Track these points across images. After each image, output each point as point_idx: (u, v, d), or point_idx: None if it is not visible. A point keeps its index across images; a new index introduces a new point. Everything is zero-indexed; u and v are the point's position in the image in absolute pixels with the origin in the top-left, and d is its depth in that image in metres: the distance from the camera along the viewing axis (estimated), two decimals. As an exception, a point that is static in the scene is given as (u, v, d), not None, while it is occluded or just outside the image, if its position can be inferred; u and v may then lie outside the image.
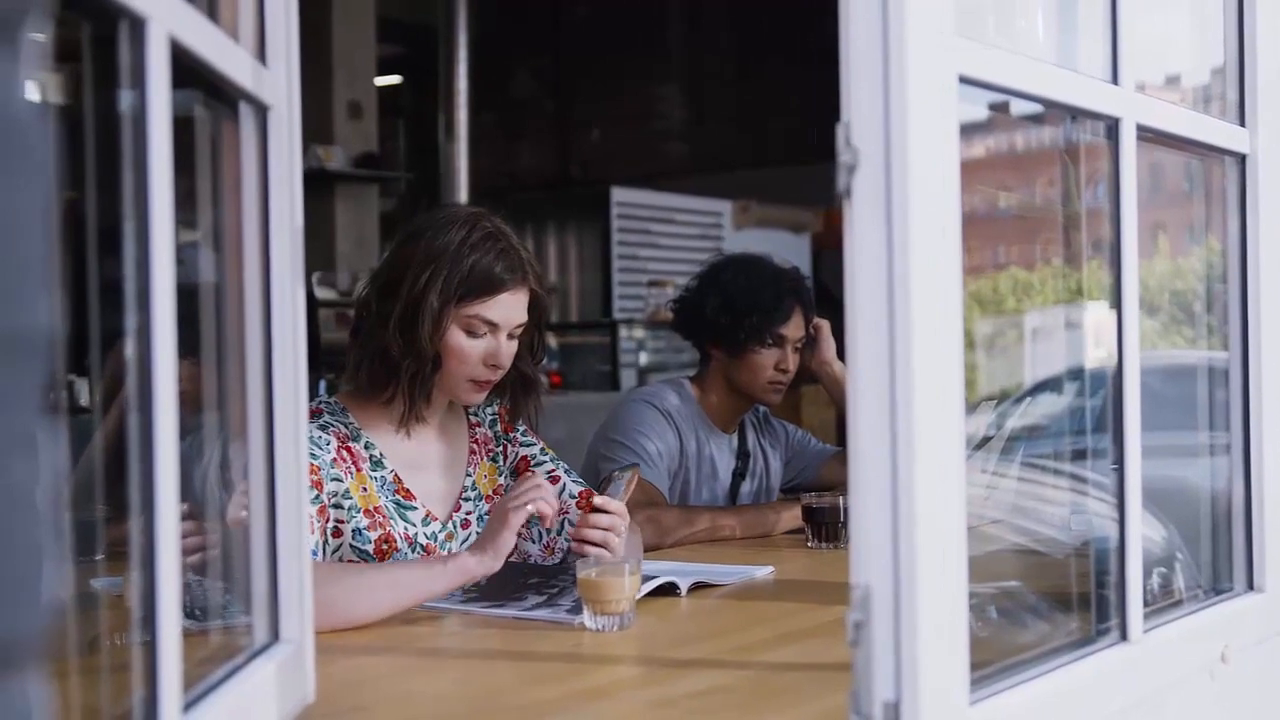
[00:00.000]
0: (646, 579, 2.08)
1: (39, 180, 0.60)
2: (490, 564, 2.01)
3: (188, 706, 1.11)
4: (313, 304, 3.75)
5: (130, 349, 1.04)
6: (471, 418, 2.45)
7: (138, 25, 1.02)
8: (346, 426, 2.26)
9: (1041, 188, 2.09)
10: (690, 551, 2.71)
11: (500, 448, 2.45)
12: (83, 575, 1.45)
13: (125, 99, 1.04)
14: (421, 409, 2.29)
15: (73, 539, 1.35)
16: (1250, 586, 1.85)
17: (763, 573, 2.40)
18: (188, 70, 1.14)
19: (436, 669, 1.78)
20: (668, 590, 2.15)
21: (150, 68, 1.03)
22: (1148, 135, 1.60)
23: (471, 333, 2.23)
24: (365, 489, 2.23)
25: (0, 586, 0.59)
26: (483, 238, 2.23)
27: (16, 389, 0.59)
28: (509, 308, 2.25)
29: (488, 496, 2.40)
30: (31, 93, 0.61)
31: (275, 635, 1.40)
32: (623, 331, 7.81)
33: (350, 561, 2.19)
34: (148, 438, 1.03)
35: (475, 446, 2.42)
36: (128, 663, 1.16)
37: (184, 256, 1.13)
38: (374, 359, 2.25)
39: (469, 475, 2.39)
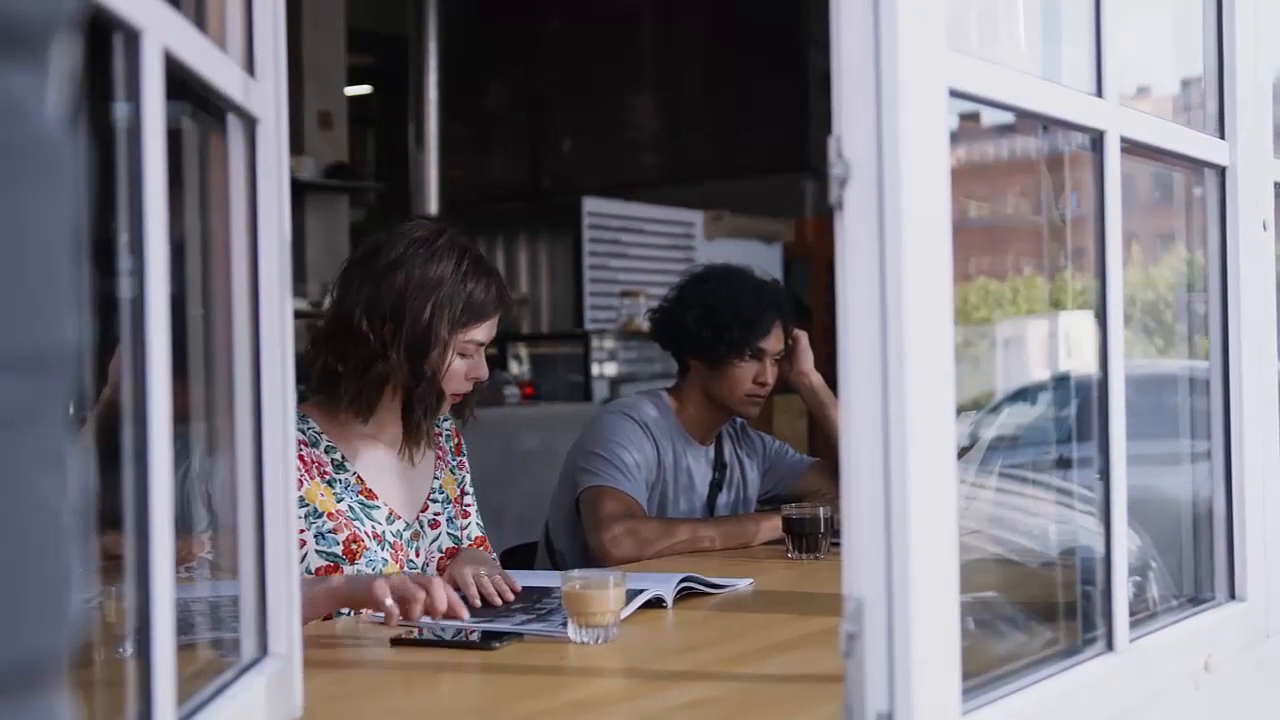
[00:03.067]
0: (632, 594, 2.07)
1: (68, 196, 0.60)
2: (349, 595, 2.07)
3: (180, 722, 1.11)
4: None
5: (124, 361, 1.03)
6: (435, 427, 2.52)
7: (132, 37, 1.01)
8: (304, 432, 2.30)
9: (1013, 198, 2.10)
10: (670, 563, 2.71)
11: (456, 461, 2.56)
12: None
13: (119, 110, 1.03)
14: (431, 434, 2.42)
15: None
16: (1232, 596, 1.86)
17: (744, 584, 2.40)
18: (177, 82, 1.13)
19: (423, 684, 1.77)
20: (653, 602, 2.15)
21: (145, 80, 1.02)
22: (1130, 147, 1.62)
23: (463, 354, 2.34)
24: (323, 494, 2.28)
25: (32, 604, 0.58)
26: (472, 265, 2.34)
27: (45, 406, 0.59)
28: (494, 327, 2.38)
29: (455, 500, 2.49)
30: (59, 110, 0.60)
31: (264, 650, 1.39)
32: (595, 342, 7.79)
33: (318, 569, 2.22)
34: (142, 451, 1.02)
35: (441, 453, 2.51)
36: (114, 677, 1.15)
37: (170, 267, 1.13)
38: (376, 386, 2.30)
39: (436, 478, 2.47)
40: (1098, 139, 1.56)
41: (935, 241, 1.23)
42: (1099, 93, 1.55)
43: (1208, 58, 1.89)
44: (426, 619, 2.02)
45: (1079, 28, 1.60)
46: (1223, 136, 1.87)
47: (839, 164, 1.21)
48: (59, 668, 0.60)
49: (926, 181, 1.22)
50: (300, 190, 7.45)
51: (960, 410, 2.18)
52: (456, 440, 2.58)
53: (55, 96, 0.60)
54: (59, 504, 0.60)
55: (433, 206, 8.31)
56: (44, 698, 0.59)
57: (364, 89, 9.89)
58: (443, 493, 2.47)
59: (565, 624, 1.92)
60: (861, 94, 1.19)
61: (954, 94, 1.27)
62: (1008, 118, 1.61)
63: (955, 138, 1.59)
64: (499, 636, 1.91)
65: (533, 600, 2.19)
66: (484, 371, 2.38)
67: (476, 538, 2.54)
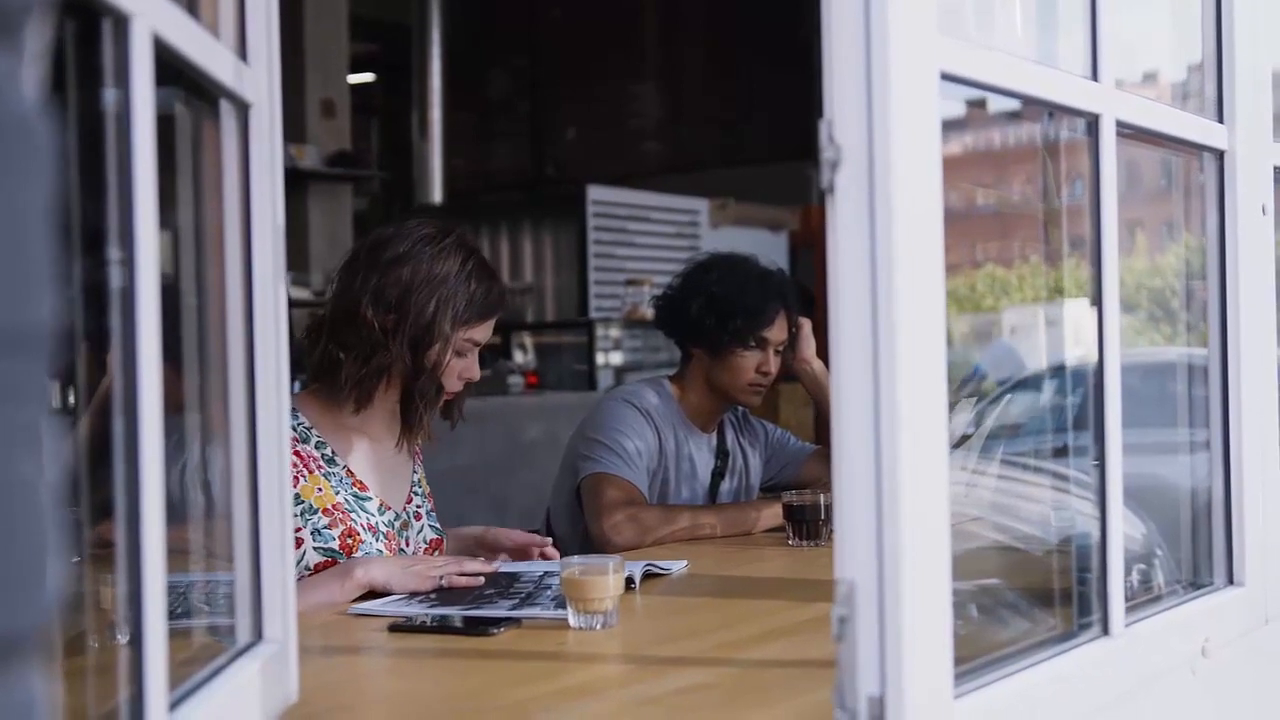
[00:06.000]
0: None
1: (42, 176, 0.60)
2: (378, 579, 2.16)
3: (173, 706, 1.11)
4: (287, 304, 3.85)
5: (114, 350, 1.03)
6: None
7: (121, 22, 1.01)
8: (295, 429, 2.31)
9: (1019, 185, 2.10)
10: (670, 550, 2.71)
11: (422, 460, 2.59)
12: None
13: (108, 96, 1.04)
14: (429, 426, 2.43)
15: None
16: (1230, 581, 1.86)
17: (678, 567, 2.42)
18: (168, 67, 1.13)
19: (420, 669, 1.77)
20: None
21: (134, 65, 1.02)
22: (1127, 131, 1.61)
23: (459, 353, 2.37)
24: (320, 489, 2.31)
25: (9, 580, 0.59)
26: (476, 266, 2.37)
27: (22, 384, 0.59)
28: (491, 329, 2.42)
29: (428, 494, 2.54)
30: (33, 91, 0.61)
31: (259, 634, 1.40)
32: (599, 331, 7.79)
33: (316, 564, 2.23)
34: (132, 438, 1.02)
35: (417, 450, 2.55)
36: (108, 663, 1.15)
37: (161, 256, 1.13)
38: (376, 376, 2.32)
39: (415, 472, 2.52)
40: (1093, 123, 1.55)
41: (926, 226, 1.22)
42: (1094, 76, 1.55)
43: (1207, 42, 1.88)
44: (424, 609, 2.03)
45: (1076, 13, 1.60)
46: (1221, 120, 1.87)
47: (830, 148, 1.21)
48: (36, 643, 0.61)
49: (918, 166, 1.21)
50: (303, 179, 7.45)
51: (966, 398, 2.18)
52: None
53: (29, 79, 0.60)
54: (37, 482, 0.60)
55: (436, 195, 8.32)
56: (20, 672, 0.59)
57: (367, 77, 9.88)
58: (421, 487, 2.53)
59: (557, 606, 1.92)
60: (852, 78, 1.19)
61: (946, 78, 1.26)
62: (1015, 104, 1.61)
63: (962, 125, 1.59)
64: (497, 622, 1.91)
65: (505, 585, 2.19)
66: (476, 373, 2.42)
67: (432, 540, 2.53)
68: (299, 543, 2.23)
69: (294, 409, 2.34)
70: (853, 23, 1.19)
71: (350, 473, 2.36)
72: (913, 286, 1.20)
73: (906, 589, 1.18)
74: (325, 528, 2.27)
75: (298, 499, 2.25)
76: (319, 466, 2.32)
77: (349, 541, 2.28)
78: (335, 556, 2.26)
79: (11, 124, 0.58)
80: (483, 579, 2.20)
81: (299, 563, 2.23)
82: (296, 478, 2.26)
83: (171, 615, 1.15)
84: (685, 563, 2.47)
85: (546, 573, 2.26)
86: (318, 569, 2.24)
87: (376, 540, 2.32)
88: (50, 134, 0.61)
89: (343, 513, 2.30)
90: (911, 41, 1.20)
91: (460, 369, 2.38)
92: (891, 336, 1.18)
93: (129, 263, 1.03)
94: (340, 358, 2.32)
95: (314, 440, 2.34)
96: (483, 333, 2.39)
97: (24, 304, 0.59)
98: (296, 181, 7.35)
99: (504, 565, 2.34)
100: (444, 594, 2.13)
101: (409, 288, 2.30)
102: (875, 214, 1.19)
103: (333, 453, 2.35)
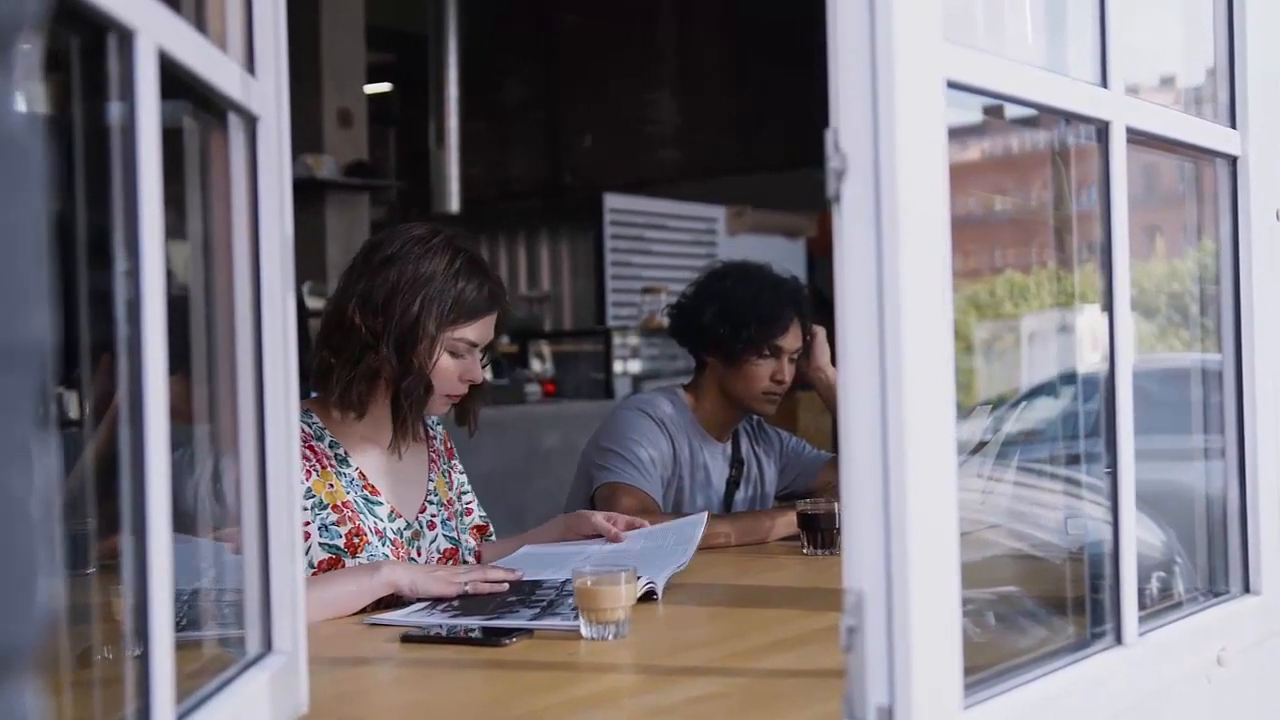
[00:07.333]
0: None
1: (34, 192, 0.60)
2: (403, 581, 2.15)
3: (181, 718, 1.11)
4: (304, 314, 3.84)
5: (121, 361, 1.04)
6: (428, 430, 2.56)
7: (126, 37, 1.02)
8: (310, 427, 2.34)
9: (1037, 190, 2.09)
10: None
11: (450, 465, 2.58)
12: (75, 588, 1.45)
13: (113, 110, 1.04)
14: (417, 428, 2.42)
15: (64, 552, 1.35)
16: (1246, 589, 1.85)
17: (697, 519, 2.46)
18: (175, 80, 1.14)
19: (432, 680, 1.77)
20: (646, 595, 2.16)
21: (139, 80, 1.03)
22: (1137, 138, 1.60)
23: (454, 353, 2.36)
24: (332, 485, 2.32)
25: None
26: (466, 263, 2.36)
27: (13, 400, 0.59)
28: (488, 329, 2.40)
29: (447, 504, 2.52)
30: (25, 105, 0.61)
31: (268, 646, 1.40)
32: (616, 339, 7.79)
33: (321, 561, 2.23)
34: (139, 450, 1.03)
35: (434, 456, 2.54)
36: (119, 675, 1.16)
37: (172, 268, 1.13)
38: (365, 379, 2.33)
39: (431, 481, 2.51)
40: (1103, 130, 1.55)
41: (932, 234, 1.22)
42: (1103, 83, 1.54)
43: (1219, 46, 1.87)
44: (438, 619, 2.02)
45: (1085, 19, 1.59)
46: (1234, 126, 1.86)
47: (836, 157, 1.21)
48: (28, 660, 0.61)
49: (924, 175, 1.21)
50: (320, 189, 7.45)
51: (983, 404, 2.17)
52: (448, 445, 2.62)
53: (21, 95, 0.61)
54: (26, 497, 0.60)
55: (453, 204, 8.33)
56: (12, 689, 0.59)
57: (384, 87, 9.89)
58: (436, 495, 2.51)
59: (575, 615, 1.92)
60: (858, 87, 1.19)
61: (952, 86, 1.26)
62: (1032, 110, 1.60)
63: (980, 130, 1.59)
64: (509, 633, 1.91)
65: (527, 593, 2.19)
66: (477, 374, 2.40)
67: (478, 526, 2.60)
68: (305, 536, 2.23)
69: (308, 410, 2.35)
70: (857, 31, 1.19)
71: (363, 476, 2.36)
72: (919, 294, 1.19)
73: (915, 599, 1.17)
74: (333, 524, 2.27)
75: (309, 493, 2.25)
76: (331, 465, 2.33)
77: (355, 541, 2.28)
78: (340, 554, 2.26)
79: (3, 141, 0.58)
80: (506, 586, 2.20)
81: (304, 555, 2.23)
82: (309, 472, 2.27)
83: (179, 626, 1.16)
84: (704, 514, 2.51)
85: (568, 580, 2.25)
86: (321, 566, 2.24)
87: (383, 545, 2.32)
88: (43, 150, 0.61)
89: (352, 511, 2.30)
90: (917, 50, 1.20)
91: (460, 371, 2.36)
92: (898, 345, 1.17)
93: (135, 274, 1.03)
94: (332, 363, 2.32)
95: (328, 440, 2.35)
96: (476, 332, 2.36)
97: (15, 320, 0.59)
98: (314, 191, 7.35)
99: (527, 573, 2.33)
100: (467, 602, 2.13)
101: (395, 288, 2.30)
102: (881, 222, 1.18)
103: (345, 454, 2.36)
